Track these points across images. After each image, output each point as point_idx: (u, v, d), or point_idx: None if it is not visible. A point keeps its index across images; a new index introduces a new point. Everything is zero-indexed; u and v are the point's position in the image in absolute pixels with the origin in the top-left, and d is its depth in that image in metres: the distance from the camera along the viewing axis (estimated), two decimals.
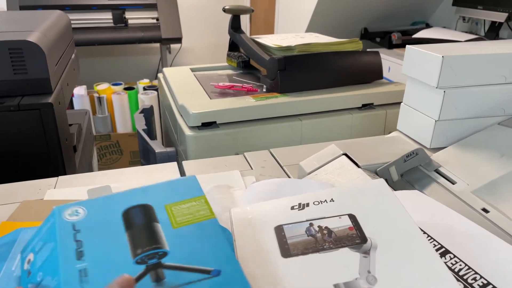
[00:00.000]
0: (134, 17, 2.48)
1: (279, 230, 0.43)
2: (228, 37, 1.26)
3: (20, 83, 0.88)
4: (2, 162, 0.88)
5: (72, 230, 0.39)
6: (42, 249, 0.39)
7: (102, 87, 2.45)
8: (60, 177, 0.71)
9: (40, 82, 0.89)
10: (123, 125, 2.44)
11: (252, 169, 0.76)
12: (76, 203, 0.41)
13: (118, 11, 2.43)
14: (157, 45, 2.80)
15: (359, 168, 0.61)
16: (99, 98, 2.35)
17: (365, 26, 2.31)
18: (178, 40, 2.47)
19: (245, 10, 1.21)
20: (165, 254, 0.39)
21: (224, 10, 1.20)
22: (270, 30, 2.70)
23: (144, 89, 2.46)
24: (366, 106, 1.01)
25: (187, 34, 2.75)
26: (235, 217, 0.46)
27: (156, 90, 2.41)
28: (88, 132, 1.36)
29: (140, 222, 0.41)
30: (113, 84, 2.52)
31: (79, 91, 2.32)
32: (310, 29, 2.13)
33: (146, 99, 2.34)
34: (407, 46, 0.72)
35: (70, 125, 1.19)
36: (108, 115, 2.40)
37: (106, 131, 2.41)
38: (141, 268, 0.38)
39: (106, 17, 2.43)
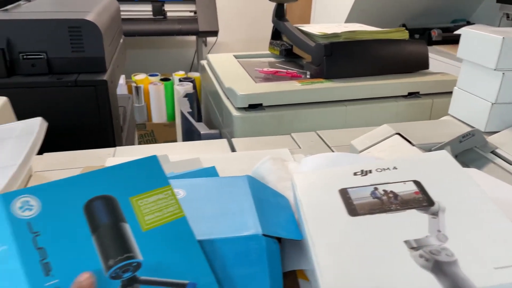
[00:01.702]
0: (172, 10, 2.53)
1: (344, 193, 0.44)
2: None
3: (77, 60, 0.92)
4: (57, 134, 0.92)
5: (29, 232, 0.33)
6: None
7: (140, 77, 2.52)
8: (117, 147, 0.74)
9: (95, 61, 0.93)
10: (158, 115, 2.49)
11: (300, 148, 0.78)
12: (25, 190, 0.35)
13: (158, 3, 2.48)
14: (193, 38, 2.85)
15: (414, 146, 0.62)
16: (137, 88, 2.41)
17: (404, 22, 2.28)
18: (215, 33, 2.50)
19: None
20: (139, 265, 0.35)
21: None
22: (305, 22, 2.70)
23: (180, 80, 2.51)
24: (412, 95, 1.01)
25: (222, 28, 2.78)
26: (298, 181, 0.47)
27: (191, 81, 2.45)
28: (131, 116, 1.40)
29: (106, 221, 0.36)
30: (150, 75, 2.58)
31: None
32: (349, 22, 2.11)
33: (182, 90, 2.38)
34: (463, 29, 0.72)
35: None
36: (144, 105, 2.46)
37: (142, 120, 2.47)
38: (116, 284, 0.34)
39: (146, 9, 2.49)
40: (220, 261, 0.40)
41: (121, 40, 1.28)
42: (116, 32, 1.18)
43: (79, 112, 0.91)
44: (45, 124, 0.52)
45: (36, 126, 0.49)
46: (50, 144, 0.90)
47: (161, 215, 0.38)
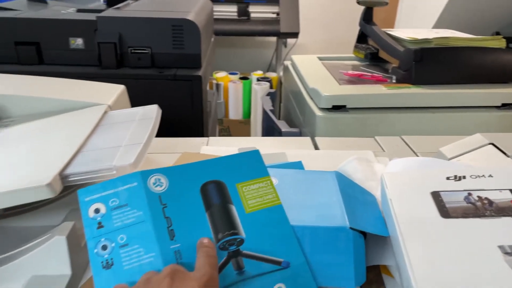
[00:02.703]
0: (256, 11, 2.61)
1: (436, 196, 0.45)
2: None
3: (177, 56, 1.00)
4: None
5: (160, 204, 0.40)
6: (120, 209, 0.40)
7: (220, 75, 2.63)
8: (210, 137, 0.80)
9: (193, 57, 1.01)
10: (235, 112, 2.59)
11: (384, 151, 0.78)
12: (157, 170, 0.42)
13: (243, 4, 2.58)
14: (273, 38, 2.91)
15: (508, 158, 0.60)
16: (217, 85, 2.52)
17: (498, 30, 2.14)
18: (295, 34, 2.54)
19: (379, 3, 1.22)
20: (242, 241, 0.41)
21: (358, 2, 1.22)
22: (389, 26, 2.63)
23: (258, 80, 2.59)
24: (506, 106, 0.96)
25: (302, 29, 2.81)
26: (389, 180, 0.48)
27: (269, 81, 2.52)
28: (215, 110, 1.48)
29: (217, 202, 0.43)
30: (230, 73, 2.69)
31: None
32: (437, 28, 2.04)
33: (259, 89, 2.45)
34: None
35: None
36: (223, 102, 2.57)
37: (220, 116, 2.57)
38: (223, 254, 0.40)
39: (231, 10, 2.60)
40: (309, 246, 0.44)
41: (212, 39, 1.37)
42: (210, 31, 1.26)
43: (175, 103, 0.99)
44: (160, 111, 0.59)
45: (154, 112, 0.56)
46: None
47: (262, 201, 0.44)
